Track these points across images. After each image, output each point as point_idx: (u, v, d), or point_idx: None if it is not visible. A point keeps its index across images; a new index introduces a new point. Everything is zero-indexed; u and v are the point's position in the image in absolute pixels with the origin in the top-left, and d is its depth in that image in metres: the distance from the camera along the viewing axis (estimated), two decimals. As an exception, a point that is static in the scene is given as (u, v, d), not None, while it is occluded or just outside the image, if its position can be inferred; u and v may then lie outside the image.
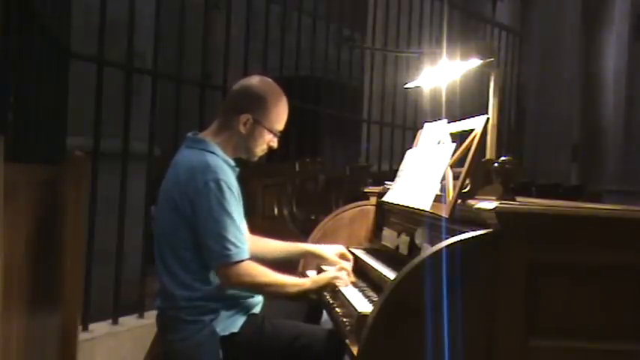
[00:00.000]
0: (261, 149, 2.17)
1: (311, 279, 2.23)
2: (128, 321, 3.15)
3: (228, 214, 1.97)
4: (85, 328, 2.90)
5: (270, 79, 2.23)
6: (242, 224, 2.08)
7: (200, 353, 1.98)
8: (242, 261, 1.97)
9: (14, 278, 1.47)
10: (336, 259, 2.35)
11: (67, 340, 2.25)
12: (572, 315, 1.58)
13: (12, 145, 1.56)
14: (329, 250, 2.41)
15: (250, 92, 2.13)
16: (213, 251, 1.97)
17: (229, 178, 2.02)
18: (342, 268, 2.24)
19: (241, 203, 2.10)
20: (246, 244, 2.04)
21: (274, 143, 2.18)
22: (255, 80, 2.19)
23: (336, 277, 2.17)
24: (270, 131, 2.14)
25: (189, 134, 2.17)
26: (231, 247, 1.95)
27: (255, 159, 2.21)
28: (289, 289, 2.09)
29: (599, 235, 1.59)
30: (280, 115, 2.16)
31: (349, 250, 2.64)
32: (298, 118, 4.59)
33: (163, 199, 2.08)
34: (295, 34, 4.57)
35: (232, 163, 2.12)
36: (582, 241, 1.58)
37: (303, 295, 2.17)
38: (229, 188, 1.99)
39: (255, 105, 2.10)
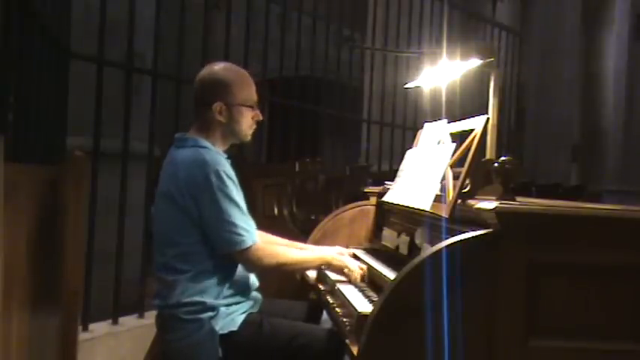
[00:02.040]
0: (248, 127, 2.17)
1: (331, 255, 2.28)
2: (128, 321, 3.15)
3: (234, 202, 2.00)
4: (85, 328, 2.90)
5: (219, 62, 2.23)
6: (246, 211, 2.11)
7: (199, 352, 1.98)
8: (256, 243, 2.03)
9: (14, 278, 1.47)
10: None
11: (67, 340, 2.24)
12: (572, 315, 1.58)
13: (12, 145, 1.56)
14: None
15: (210, 81, 2.13)
16: (226, 240, 1.99)
17: (227, 168, 2.04)
18: (362, 269, 2.25)
19: (242, 192, 2.12)
20: (255, 227, 2.10)
21: (258, 116, 2.18)
22: (208, 70, 2.17)
23: (352, 271, 2.21)
24: (248, 106, 2.14)
25: (177, 135, 2.17)
26: (242, 232, 2.00)
27: (248, 138, 2.21)
28: (310, 265, 2.28)
29: (599, 235, 1.59)
30: (247, 87, 2.16)
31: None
32: (298, 118, 4.60)
33: (161, 197, 2.09)
34: (295, 34, 4.57)
35: (225, 155, 2.13)
36: (582, 241, 1.58)
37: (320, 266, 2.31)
38: (229, 178, 2.01)
39: (220, 89, 2.10)
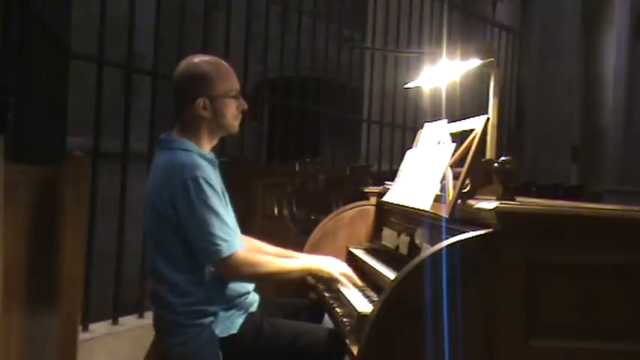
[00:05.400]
0: (233, 118, 2.10)
1: (317, 265, 2.17)
2: (128, 321, 3.16)
3: (212, 210, 1.92)
4: (85, 328, 2.90)
5: (195, 55, 2.15)
6: (229, 217, 2.03)
7: (200, 356, 1.97)
8: (235, 253, 1.94)
9: (14, 278, 1.47)
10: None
11: (67, 340, 2.25)
12: (572, 315, 1.58)
13: (12, 145, 1.56)
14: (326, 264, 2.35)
15: (189, 76, 2.07)
16: (204, 250, 1.94)
17: (207, 172, 1.97)
18: (346, 275, 2.19)
19: (225, 196, 2.07)
20: (236, 235, 2.03)
21: (243, 105, 2.12)
22: (185, 65, 2.10)
23: (338, 280, 2.14)
24: (231, 96, 2.08)
25: (162, 136, 2.12)
26: (220, 242, 1.91)
27: (236, 130, 2.15)
28: (292, 275, 2.11)
29: (599, 235, 1.59)
30: (228, 77, 2.09)
31: (349, 251, 2.64)
32: (298, 118, 4.61)
33: (147, 203, 2.05)
34: (295, 34, 4.57)
35: (210, 156, 2.07)
36: (582, 241, 1.58)
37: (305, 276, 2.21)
38: (208, 183, 1.94)
39: (200, 84, 2.04)
